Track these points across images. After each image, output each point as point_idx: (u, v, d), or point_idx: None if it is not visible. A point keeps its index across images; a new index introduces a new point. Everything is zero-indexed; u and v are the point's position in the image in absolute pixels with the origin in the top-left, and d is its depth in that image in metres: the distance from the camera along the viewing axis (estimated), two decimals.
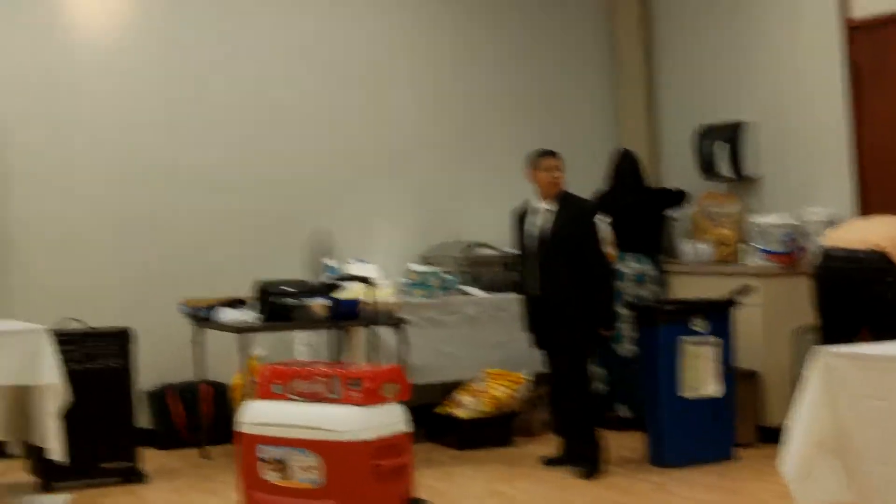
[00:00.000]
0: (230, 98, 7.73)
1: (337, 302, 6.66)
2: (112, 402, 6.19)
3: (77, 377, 5.94)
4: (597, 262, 6.29)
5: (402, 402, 5.10)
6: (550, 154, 6.43)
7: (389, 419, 5.00)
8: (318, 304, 6.64)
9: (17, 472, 6.18)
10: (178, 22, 7.63)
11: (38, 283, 7.10)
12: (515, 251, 6.81)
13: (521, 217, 6.50)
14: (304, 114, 7.93)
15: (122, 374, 6.25)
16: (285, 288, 6.66)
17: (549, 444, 6.70)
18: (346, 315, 6.69)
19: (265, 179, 7.76)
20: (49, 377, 5.46)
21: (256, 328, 6.59)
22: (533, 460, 6.56)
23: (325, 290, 6.76)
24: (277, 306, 6.57)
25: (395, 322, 6.82)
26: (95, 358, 6.19)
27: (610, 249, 6.55)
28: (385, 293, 6.92)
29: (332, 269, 7.32)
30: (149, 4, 7.59)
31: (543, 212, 6.35)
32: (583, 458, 6.23)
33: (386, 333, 6.98)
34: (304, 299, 6.63)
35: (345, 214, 7.91)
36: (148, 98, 7.51)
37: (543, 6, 8.61)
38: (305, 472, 4.89)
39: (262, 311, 6.59)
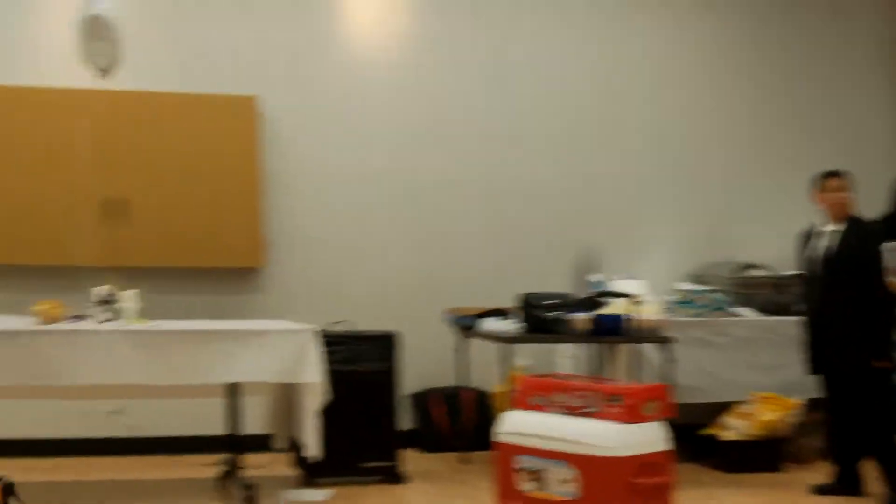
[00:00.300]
0: (502, 115, 7.78)
1: (600, 316, 6.57)
2: (376, 403, 6.30)
3: (343, 378, 6.13)
4: (877, 288, 5.95)
5: (664, 420, 4.96)
6: (836, 175, 6.13)
7: (650, 437, 4.88)
8: (580, 318, 6.57)
9: (282, 465, 6.39)
10: (453, 40, 7.74)
11: (312, 286, 7.35)
12: (794, 273, 6.53)
13: (806, 239, 6.24)
14: (579, 130, 7.90)
15: (386, 377, 6.35)
16: (549, 301, 6.63)
17: (821, 472, 6.37)
18: (609, 330, 6.58)
19: (535, 194, 7.78)
20: (312, 376, 5.61)
21: (519, 339, 6.57)
22: (802, 487, 6.25)
23: (589, 304, 6.68)
24: (540, 318, 6.55)
25: (660, 339, 6.67)
26: (361, 360, 6.32)
27: (893, 278, 6.18)
28: (650, 310, 6.77)
29: (597, 284, 7.23)
30: (425, 20, 7.73)
31: (829, 234, 6.07)
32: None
33: (650, 351, 6.83)
34: (567, 313, 6.58)
35: (614, 230, 7.82)
36: (421, 114, 7.65)
37: (827, 24, 8.28)
38: (562, 484, 4.82)
39: (524, 323, 6.59)
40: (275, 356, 5.65)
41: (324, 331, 6.16)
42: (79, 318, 5.69)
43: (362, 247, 7.49)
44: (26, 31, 7.03)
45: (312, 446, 5.60)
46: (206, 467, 6.46)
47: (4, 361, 5.32)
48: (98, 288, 5.82)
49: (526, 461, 4.95)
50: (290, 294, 7.32)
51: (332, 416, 5.94)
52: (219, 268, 7.17)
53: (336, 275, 7.41)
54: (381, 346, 6.39)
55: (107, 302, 5.77)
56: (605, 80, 8.00)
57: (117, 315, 5.75)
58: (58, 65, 6.96)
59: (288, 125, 7.40)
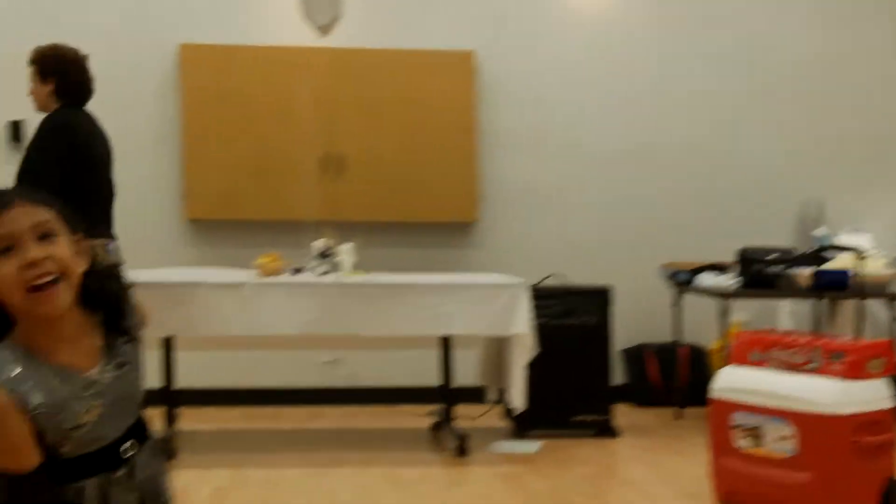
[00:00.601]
0: (721, 71, 7.55)
1: (823, 271, 6.33)
2: (589, 357, 6.26)
3: (556, 332, 6.12)
4: None
5: (889, 377, 4.74)
6: None
7: (873, 395, 4.66)
8: (803, 272, 6.34)
9: (494, 417, 6.44)
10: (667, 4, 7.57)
11: (525, 241, 7.35)
12: None
13: None
14: (803, 87, 7.59)
15: (599, 331, 6.29)
16: (768, 255, 6.43)
17: None
18: (833, 286, 6.33)
19: (755, 148, 7.53)
20: (521, 329, 5.63)
21: (736, 294, 6.41)
22: None
23: (811, 259, 6.44)
24: (759, 273, 6.37)
25: (887, 295, 6.37)
26: (574, 314, 6.29)
27: None
28: (877, 265, 6.48)
29: (821, 238, 6.97)
30: None
31: None
32: None
33: (875, 307, 6.54)
34: (789, 267, 6.36)
35: (839, 183, 7.51)
36: (637, 70, 7.48)
37: None
38: (780, 441, 4.68)
39: (743, 278, 6.41)
40: (486, 309, 5.70)
41: (535, 285, 6.16)
42: (298, 270, 5.85)
43: (576, 201, 7.43)
44: None
45: (518, 398, 5.63)
46: (419, 417, 6.57)
47: (228, 312, 5.54)
48: (316, 242, 5.98)
49: (742, 418, 4.82)
50: (502, 249, 7.34)
51: (544, 369, 5.96)
52: (433, 222, 7.25)
53: (549, 229, 7.38)
54: (595, 300, 6.34)
55: (324, 255, 5.92)
56: (814, 42, 7.64)
57: (334, 268, 5.90)
58: (281, 23, 7.14)
59: (504, 81, 7.37)
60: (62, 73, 5.01)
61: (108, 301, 2.05)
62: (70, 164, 4.82)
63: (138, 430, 2.09)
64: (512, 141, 7.40)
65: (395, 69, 7.16)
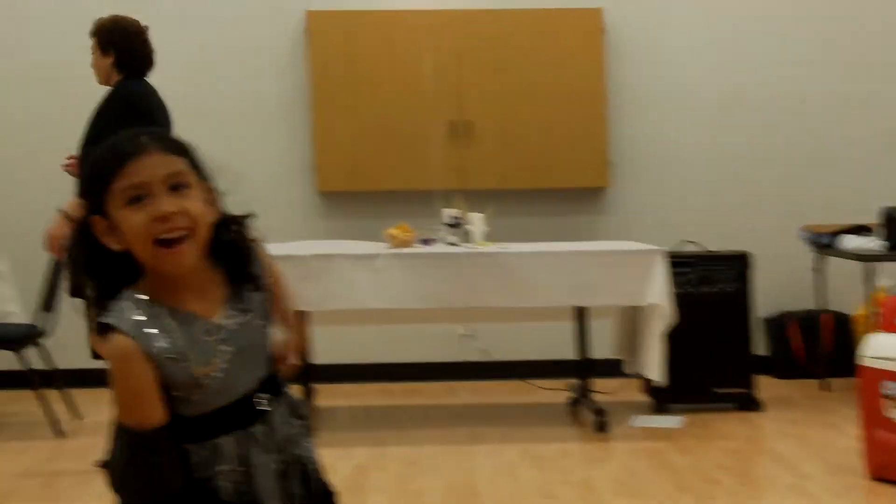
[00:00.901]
0: (861, 19, 7.25)
1: None
2: (728, 327, 6.10)
3: (692, 300, 5.99)
4: None
5: None
6: None
7: None
8: None
9: (632, 391, 6.32)
10: None
11: (658, 206, 7.19)
12: None
13: None
14: None
15: (738, 299, 6.12)
16: None
17: None
18: None
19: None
20: (657, 298, 5.50)
21: (882, 257, 6.18)
22: None
23: None
24: None
25: None
26: (712, 282, 6.13)
27: None
28: None
29: None
30: None
31: None
32: None
33: None
34: None
35: None
36: (772, 26, 7.22)
37: None
38: None
39: (888, 240, 6.17)
40: (622, 278, 5.59)
41: (671, 251, 6.02)
42: (428, 241, 5.82)
43: (710, 164, 7.22)
44: None
45: (656, 371, 5.51)
46: (556, 392, 6.50)
47: (359, 285, 5.53)
48: (446, 211, 5.93)
49: (893, 387, 4.65)
50: (635, 214, 7.19)
51: (683, 340, 5.83)
52: (563, 188, 7.13)
53: (683, 194, 7.20)
54: (733, 266, 6.17)
55: (455, 225, 5.88)
56: None
57: (465, 238, 5.85)
58: None
59: (633, 39, 7.19)
60: (123, 44, 5.02)
61: (234, 251, 2.02)
62: None
63: (272, 385, 2.05)
64: (642, 102, 7.23)
65: (522, 29, 7.04)
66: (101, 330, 1.90)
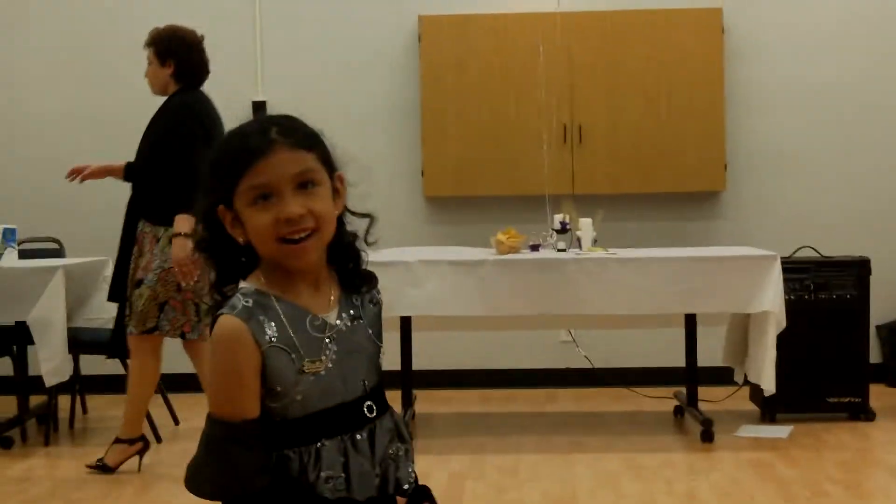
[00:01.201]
0: None
1: None
2: (844, 334, 5.91)
3: (809, 307, 5.84)
4: None
5: None
6: None
7: None
8: None
9: (739, 400, 6.16)
10: None
11: (775, 210, 7.02)
12: None
13: None
14: None
15: (856, 306, 5.93)
16: None
17: None
18: None
19: None
20: (770, 304, 5.38)
21: None
22: None
23: None
24: None
25: None
26: (829, 288, 5.96)
27: None
28: None
29: None
30: None
31: None
32: None
33: None
34: None
35: None
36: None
37: None
38: None
39: None
40: (735, 285, 5.48)
41: (787, 257, 5.87)
42: (536, 247, 5.79)
43: (829, 167, 7.01)
44: None
45: (767, 380, 5.37)
46: (662, 400, 6.39)
47: (464, 292, 5.52)
48: (555, 216, 5.89)
49: None
50: (751, 219, 7.02)
51: (795, 347, 5.69)
52: (676, 193, 7.01)
53: (801, 198, 7.01)
54: (851, 272, 5.99)
55: (564, 230, 5.83)
56: None
57: (575, 244, 5.80)
58: None
59: (752, 39, 7.02)
60: (182, 55, 5.09)
61: (349, 251, 2.00)
62: (198, 145, 4.89)
63: (379, 398, 2.00)
64: (760, 103, 7.06)
65: (637, 30, 6.93)
66: (214, 312, 1.90)
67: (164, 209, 4.95)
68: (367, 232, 2.02)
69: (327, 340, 1.92)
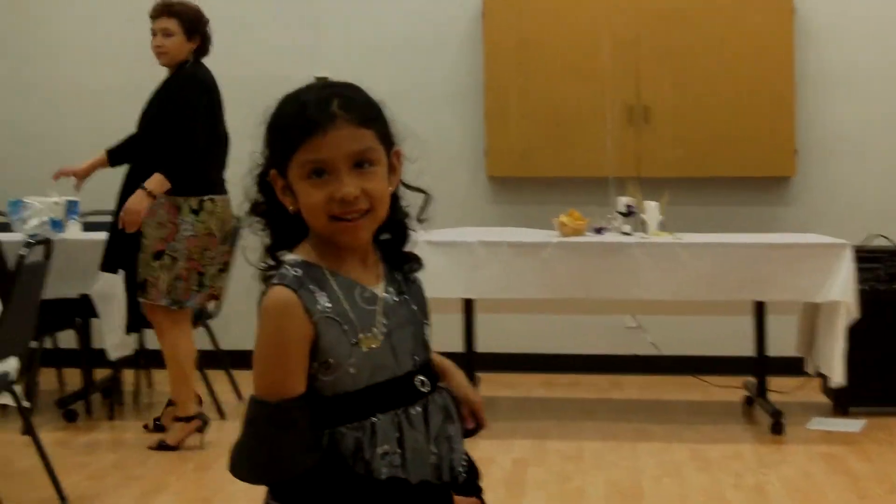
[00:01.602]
0: None
1: None
2: None
3: (880, 297, 5.70)
4: None
5: None
6: None
7: None
8: None
9: (811, 391, 6.01)
10: None
11: (846, 197, 6.86)
12: None
13: None
14: None
15: None
16: None
17: None
18: None
19: None
20: (842, 294, 5.25)
21: None
22: None
23: None
24: None
25: None
26: None
27: None
28: None
29: None
30: None
31: None
32: None
33: None
34: None
35: None
36: None
37: None
38: None
39: None
40: (804, 273, 5.36)
41: (858, 246, 5.73)
42: (601, 230, 5.70)
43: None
44: None
45: (837, 372, 5.25)
46: (730, 389, 6.26)
47: (528, 274, 5.47)
48: (620, 199, 5.79)
49: None
50: (822, 205, 6.86)
51: (869, 339, 5.55)
52: (744, 177, 6.87)
53: (874, 184, 6.84)
54: None
55: (629, 214, 5.74)
56: None
57: (640, 227, 5.71)
58: None
59: (824, 19, 6.85)
60: (205, 32, 5.22)
61: (400, 229, 1.95)
62: (214, 118, 5.12)
63: (429, 372, 1.94)
64: (832, 87, 6.89)
65: (705, 9, 6.79)
66: (265, 282, 1.86)
67: (184, 179, 5.02)
68: (422, 209, 1.98)
69: (378, 313, 1.88)
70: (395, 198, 1.93)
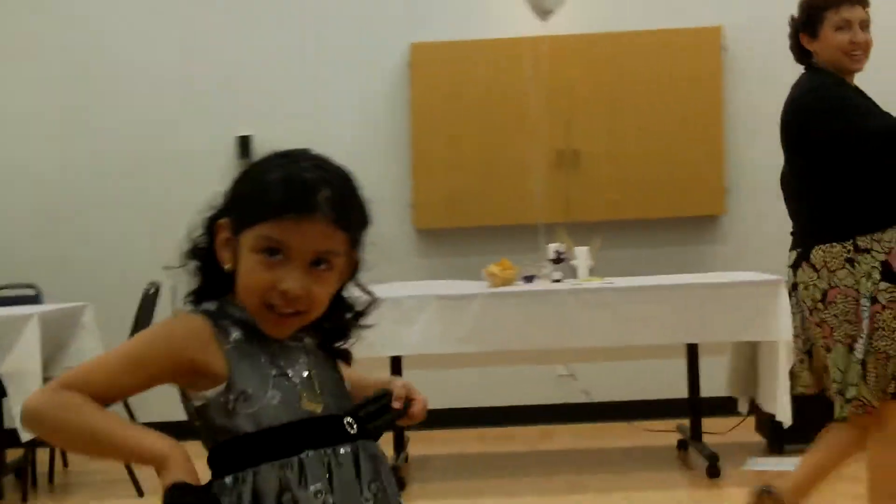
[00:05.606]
0: None
1: None
2: None
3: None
4: None
5: None
6: None
7: None
8: None
9: (747, 431, 6.16)
10: None
11: (777, 233, 6.97)
12: None
13: None
14: None
15: None
16: None
17: None
18: None
19: None
20: (783, 333, 5.36)
21: None
22: None
23: None
24: None
25: None
26: None
27: None
28: None
29: None
30: None
31: None
32: None
33: None
34: None
35: None
36: None
37: None
38: None
39: None
40: (738, 312, 5.44)
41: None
42: (531, 278, 5.76)
43: None
44: None
45: (784, 412, 5.32)
46: (664, 434, 6.38)
47: (457, 328, 5.50)
48: (550, 246, 5.87)
49: None
50: (752, 243, 7.01)
51: None
52: (675, 217, 7.03)
53: None
54: None
55: (559, 260, 5.82)
56: None
57: (570, 274, 5.79)
58: (510, 14, 6.99)
59: (752, 58, 7.02)
60: None
61: (338, 328, 1.94)
62: None
63: (359, 421, 1.89)
64: (761, 123, 7.07)
65: (634, 52, 6.96)
66: (176, 313, 1.84)
67: (847, 219, 3.94)
68: (363, 313, 1.95)
69: (300, 350, 1.87)
70: (339, 297, 1.91)
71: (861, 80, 4.28)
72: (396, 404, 1.94)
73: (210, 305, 1.84)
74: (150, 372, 1.78)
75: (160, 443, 1.75)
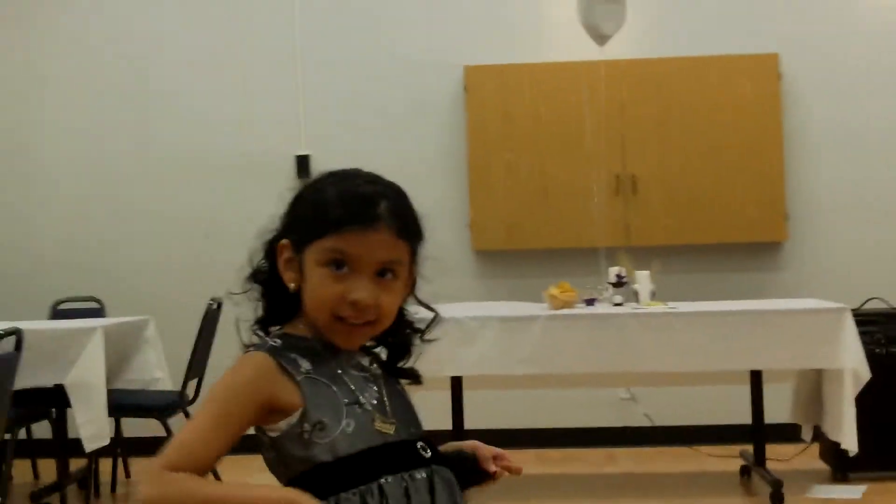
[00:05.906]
0: None
1: None
2: None
3: (878, 360, 5.75)
4: None
5: None
6: None
7: None
8: None
9: (810, 458, 6.11)
10: None
11: (839, 260, 6.99)
12: None
13: None
14: None
15: None
16: None
17: None
18: None
19: None
20: (848, 361, 5.32)
21: None
22: None
23: None
24: None
25: None
26: None
27: None
28: None
29: None
30: None
31: None
32: None
33: None
34: None
35: None
36: None
37: None
38: None
39: None
40: (802, 339, 5.41)
41: (856, 309, 5.84)
42: (591, 301, 5.75)
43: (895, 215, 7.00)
44: (528, 7, 7.24)
45: (848, 439, 5.28)
46: (726, 459, 6.33)
47: (518, 350, 5.49)
48: (611, 269, 5.87)
49: None
50: (815, 269, 6.99)
51: (866, 402, 5.59)
52: (735, 243, 7.00)
53: (867, 246, 6.97)
54: None
55: (620, 284, 5.81)
56: None
57: (632, 297, 5.78)
58: (565, 38, 7.03)
59: (810, 84, 7.03)
60: None
61: (400, 344, 1.96)
62: None
63: (430, 444, 1.91)
64: (821, 149, 7.06)
65: (690, 78, 6.97)
66: (245, 350, 1.86)
67: None
68: (428, 328, 1.98)
69: (369, 379, 1.89)
70: (401, 312, 1.94)
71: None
72: (491, 466, 2.00)
73: (273, 341, 1.85)
74: (241, 423, 1.79)
75: (283, 490, 1.76)
